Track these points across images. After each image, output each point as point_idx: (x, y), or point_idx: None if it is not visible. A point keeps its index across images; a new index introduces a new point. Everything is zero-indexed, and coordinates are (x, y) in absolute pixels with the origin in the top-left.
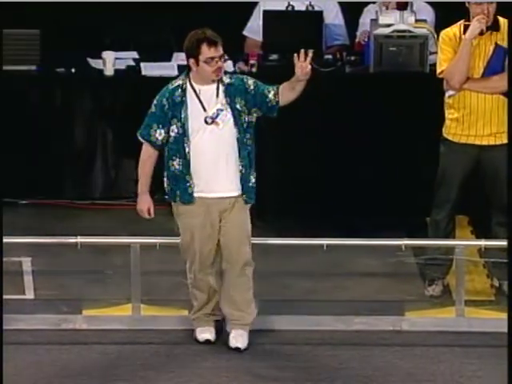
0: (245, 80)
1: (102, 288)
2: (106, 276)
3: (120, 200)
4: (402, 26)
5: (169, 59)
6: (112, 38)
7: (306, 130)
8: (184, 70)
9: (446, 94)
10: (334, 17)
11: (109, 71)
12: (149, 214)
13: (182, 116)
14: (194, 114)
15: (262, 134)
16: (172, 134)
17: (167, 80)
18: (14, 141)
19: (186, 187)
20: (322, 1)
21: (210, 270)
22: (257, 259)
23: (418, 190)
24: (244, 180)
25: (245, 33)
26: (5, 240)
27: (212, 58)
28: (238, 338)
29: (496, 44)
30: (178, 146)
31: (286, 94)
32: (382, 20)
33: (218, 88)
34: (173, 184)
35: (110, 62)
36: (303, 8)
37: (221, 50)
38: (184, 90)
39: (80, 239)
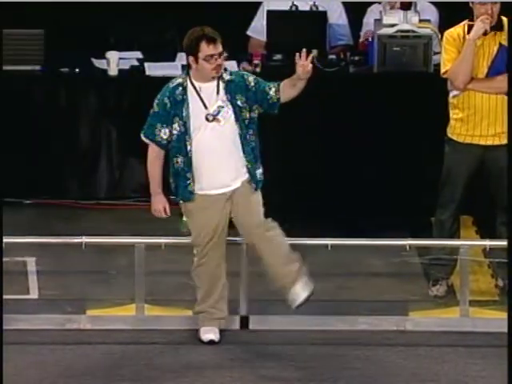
0: (245, 77)
1: (107, 288)
2: (111, 276)
3: (125, 200)
4: (406, 26)
5: (173, 59)
6: (116, 37)
7: (310, 130)
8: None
9: (451, 94)
10: (337, 17)
11: (113, 71)
12: (165, 213)
13: (184, 114)
14: (195, 112)
15: (265, 133)
16: (174, 132)
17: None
18: (19, 141)
19: (187, 184)
20: (325, 1)
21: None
22: (260, 259)
23: (423, 189)
24: (251, 174)
25: (249, 33)
26: (9, 240)
27: (211, 56)
28: (304, 287)
29: (500, 44)
30: (179, 144)
31: (287, 90)
32: (386, 20)
33: (218, 85)
34: (176, 181)
35: (114, 62)
36: (307, 8)
37: (220, 48)
38: (185, 88)
39: (84, 239)
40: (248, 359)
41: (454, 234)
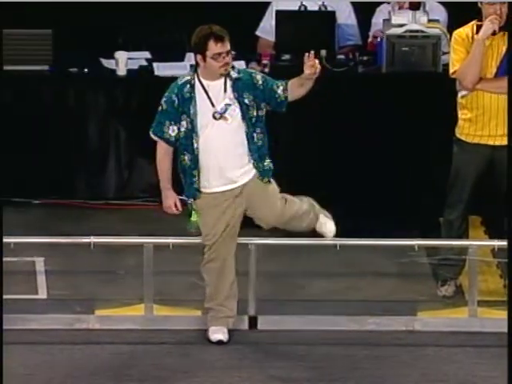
0: (253, 75)
1: (115, 288)
2: (119, 276)
3: (133, 200)
4: (415, 26)
5: (181, 59)
6: (125, 37)
7: (319, 130)
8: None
9: (459, 94)
10: (346, 17)
11: (121, 71)
12: (176, 208)
13: (191, 112)
14: (203, 110)
15: (274, 132)
16: (182, 130)
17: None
18: (27, 141)
19: (193, 182)
20: (334, 1)
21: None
22: (269, 259)
23: (431, 190)
24: (257, 169)
25: (257, 33)
26: (18, 240)
27: (219, 54)
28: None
29: (509, 44)
30: (187, 142)
31: (295, 90)
32: (395, 20)
33: (225, 83)
34: (184, 179)
35: (123, 62)
36: (316, 8)
37: (228, 46)
38: (192, 86)
39: (93, 239)
40: (257, 359)
41: (463, 234)
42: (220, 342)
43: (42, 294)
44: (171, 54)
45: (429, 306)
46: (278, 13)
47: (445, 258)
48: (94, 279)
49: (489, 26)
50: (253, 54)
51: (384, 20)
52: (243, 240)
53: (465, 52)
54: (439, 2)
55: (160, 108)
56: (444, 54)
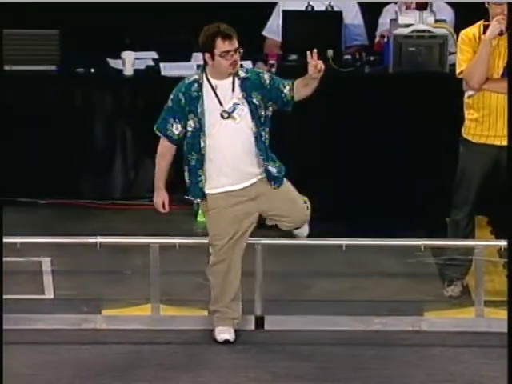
0: (260, 74)
1: (122, 288)
2: (126, 276)
3: (140, 200)
4: (422, 26)
5: (188, 59)
6: (131, 38)
7: (326, 130)
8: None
9: (466, 95)
10: (353, 17)
11: (128, 71)
12: (163, 207)
13: (199, 111)
14: (211, 109)
15: (281, 132)
16: (189, 129)
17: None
18: (34, 141)
19: (198, 182)
20: (341, 1)
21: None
22: (275, 260)
23: (438, 190)
24: (267, 172)
25: (264, 33)
26: (24, 240)
27: (227, 52)
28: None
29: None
30: (194, 141)
31: (300, 90)
32: (402, 20)
33: (233, 82)
34: (190, 179)
35: (130, 62)
36: (323, 8)
37: (236, 44)
38: (200, 85)
39: (99, 239)
40: (263, 359)
41: (469, 235)
42: (226, 342)
43: (49, 294)
44: (178, 54)
45: (435, 306)
46: (285, 13)
47: (451, 258)
48: (100, 279)
49: (496, 26)
50: (259, 54)
51: (391, 20)
52: (249, 240)
53: (472, 52)
54: (446, 2)
55: (166, 105)
56: (451, 54)
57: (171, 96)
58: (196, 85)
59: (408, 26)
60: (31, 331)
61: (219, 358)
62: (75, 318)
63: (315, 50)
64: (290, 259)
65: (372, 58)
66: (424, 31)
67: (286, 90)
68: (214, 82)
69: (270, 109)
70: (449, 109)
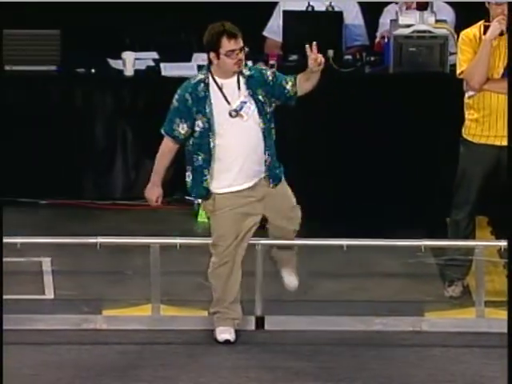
0: (263, 71)
1: (122, 288)
2: (126, 276)
3: (140, 200)
4: (422, 27)
5: (189, 59)
6: (132, 38)
7: (326, 130)
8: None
9: (466, 95)
10: (353, 17)
11: (129, 72)
12: (156, 202)
13: (207, 111)
14: (219, 108)
15: (281, 132)
16: (197, 129)
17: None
18: (34, 141)
19: (203, 181)
20: (341, 1)
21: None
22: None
23: (438, 190)
24: (271, 168)
25: (265, 33)
26: (25, 240)
27: (232, 51)
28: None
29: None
30: (202, 141)
31: (302, 85)
32: (402, 20)
33: (238, 81)
34: (194, 179)
35: (130, 62)
36: (323, 8)
37: (241, 43)
38: (206, 85)
39: (100, 239)
40: (264, 360)
41: (470, 235)
42: (227, 342)
43: (49, 295)
44: (178, 55)
45: (436, 306)
46: (286, 13)
47: (452, 258)
48: (100, 279)
49: (496, 26)
50: (260, 55)
51: (391, 20)
52: (250, 240)
53: (472, 52)
54: (446, 3)
55: (172, 106)
56: (451, 54)
57: (176, 97)
58: (202, 85)
59: (408, 26)
60: (32, 331)
61: (220, 359)
62: (76, 319)
63: (314, 43)
64: None
65: (372, 59)
66: (424, 31)
67: (288, 86)
68: (219, 81)
69: (273, 105)
70: (449, 109)
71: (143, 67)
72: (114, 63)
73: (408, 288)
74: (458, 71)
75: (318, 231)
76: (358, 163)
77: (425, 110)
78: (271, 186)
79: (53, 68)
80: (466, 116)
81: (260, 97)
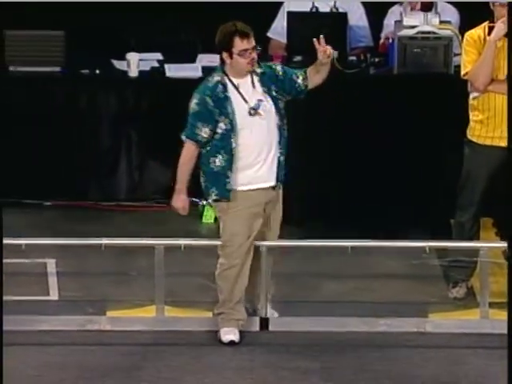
0: (273, 67)
1: (127, 289)
2: (131, 277)
3: (144, 201)
4: (427, 28)
5: (193, 60)
6: (136, 39)
7: (331, 131)
8: (208, 71)
9: (471, 96)
10: (358, 18)
11: (133, 73)
12: (184, 211)
13: (229, 111)
14: (239, 108)
15: None
16: (219, 131)
17: (191, 81)
18: (38, 142)
19: (226, 183)
20: (346, 2)
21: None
22: (281, 260)
23: (443, 191)
24: (281, 168)
25: (269, 34)
26: (29, 241)
27: (245, 50)
28: None
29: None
30: (223, 143)
31: (313, 77)
32: (407, 21)
33: (252, 79)
34: (213, 181)
35: (135, 63)
36: (327, 9)
37: (253, 42)
38: (224, 85)
39: (104, 241)
40: (268, 361)
41: (474, 236)
42: (232, 343)
43: (54, 296)
44: (183, 56)
45: (440, 307)
46: (290, 14)
47: (456, 259)
48: (105, 281)
49: (501, 27)
50: (264, 56)
51: (396, 21)
52: (255, 242)
53: (476, 53)
54: (451, 3)
55: (192, 111)
56: (456, 55)
57: (195, 101)
58: (220, 86)
59: (413, 27)
60: (36, 332)
61: (224, 360)
62: (80, 319)
63: (322, 36)
64: (295, 260)
65: (377, 60)
66: (429, 32)
67: (299, 80)
68: (235, 80)
69: (284, 100)
70: (453, 110)
71: (147, 68)
72: (119, 64)
73: (412, 289)
74: (462, 72)
75: (323, 232)
76: (362, 164)
77: (429, 111)
78: (275, 185)
79: (57, 69)
80: (471, 117)
81: (274, 93)
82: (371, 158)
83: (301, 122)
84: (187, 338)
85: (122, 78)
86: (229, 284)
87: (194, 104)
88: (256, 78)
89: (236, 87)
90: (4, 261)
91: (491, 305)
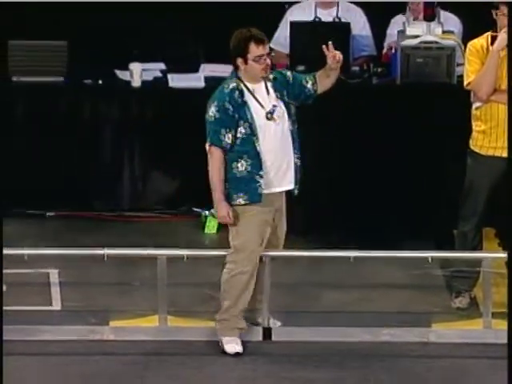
0: (283, 72)
1: (129, 299)
2: (133, 287)
3: (147, 212)
4: (429, 38)
5: (196, 70)
6: (139, 49)
7: (333, 141)
8: (211, 81)
9: (473, 106)
10: (361, 28)
11: (136, 82)
12: (229, 217)
13: (248, 116)
14: (257, 113)
15: None
16: (239, 136)
17: (194, 91)
18: (41, 152)
19: (257, 187)
20: (348, 12)
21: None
22: (284, 270)
23: (445, 201)
24: (298, 172)
25: (271, 45)
26: (32, 251)
27: (260, 56)
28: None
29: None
30: (245, 148)
31: (323, 82)
32: (409, 31)
33: (266, 85)
34: (239, 186)
35: (138, 73)
36: (330, 19)
37: (267, 48)
38: (241, 91)
39: (107, 251)
40: (271, 370)
41: (477, 246)
42: (234, 353)
43: (57, 306)
44: (186, 66)
45: (443, 317)
46: (293, 24)
47: (459, 270)
48: (108, 291)
49: (504, 37)
50: None
51: (398, 31)
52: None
53: (479, 63)
54: (454, 13)
55: (212, 118)
56: (458, 65)
57: (214, 108)
58: (237, 92)
59: (416, 37)
60: (39, 342)
61: (227, 369)
62: (83, 330)
63: (330, 42)
64: (298, 270)
65: (379, 70)
66: (432, 42)
67: (309, 85)
68: (250, 86)
69: (295, 105)
70: (456, 120)
71: (150, 78)
72: (122, 74)
73: (415, 299)
74: (465, 82)
75: (325, 242)
76: (364, 174)
77: (432, 121)
78: (293, 188)
79: (60, 79)
80: (473, 127)
81: (286, 98)
82: (374, 169)
83: (303, 132)
84: (189, 348)
85: (125, 88)
86: (237, 290)
87: (213, 111)
88: (269, 84)
89: (252, 93)
90: (7, 271)
91: (494, 315)
